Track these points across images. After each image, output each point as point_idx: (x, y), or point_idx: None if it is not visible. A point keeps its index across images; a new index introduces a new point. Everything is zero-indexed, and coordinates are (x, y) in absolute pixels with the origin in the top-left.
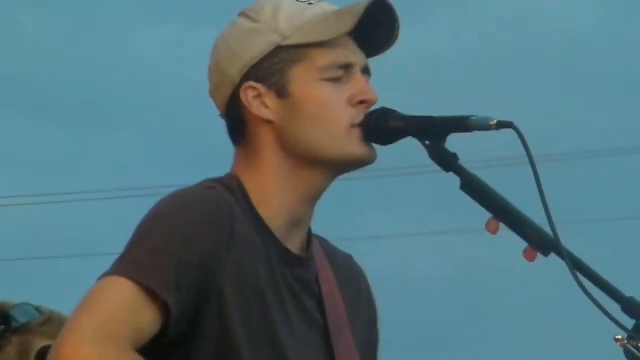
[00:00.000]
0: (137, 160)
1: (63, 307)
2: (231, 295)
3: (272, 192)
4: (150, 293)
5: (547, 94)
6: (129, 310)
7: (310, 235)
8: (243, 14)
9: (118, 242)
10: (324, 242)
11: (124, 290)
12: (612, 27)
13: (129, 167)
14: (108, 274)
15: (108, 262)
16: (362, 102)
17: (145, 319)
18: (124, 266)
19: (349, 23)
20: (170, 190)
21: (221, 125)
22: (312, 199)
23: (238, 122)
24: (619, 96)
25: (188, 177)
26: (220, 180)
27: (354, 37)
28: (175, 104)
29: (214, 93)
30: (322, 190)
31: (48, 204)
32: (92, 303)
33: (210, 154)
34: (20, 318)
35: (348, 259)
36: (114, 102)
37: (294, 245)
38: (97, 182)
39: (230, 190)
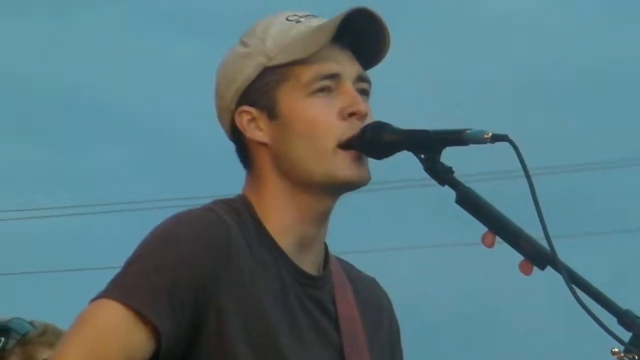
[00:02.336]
0: (120, 175)
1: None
2: (230, 315)
3: (275, 213)
4: (142, 316)
5: (541, 106)
6: (120, 334)
7: (327, 255)
8: (240, 39)
9: (95, 258)
10: (346, 264)
11: (115, 314)
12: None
13: (111, 182)
14: (100, 296)
15: (91, 277)
16: (352, 114)
17: (136, 342)
18: (115, 289)
19: (325, 36)
20: (147, 204)
21: (205, 141)
22: (316, 219)
23: (240, 146)
24: (614, 109)
25: (171, 192)
26: (227, 201)
27: (350, 48)
28: (158, 118)
29: (218, 119)
30: (325, 210)
31: (26, 219)
32: (82, 327)
33: (194, 168)
34: (19, 330)
35: (370, 281)
36: (93, 116)
37: (308, 264)
38: (76, 197)
39: (237, 211)
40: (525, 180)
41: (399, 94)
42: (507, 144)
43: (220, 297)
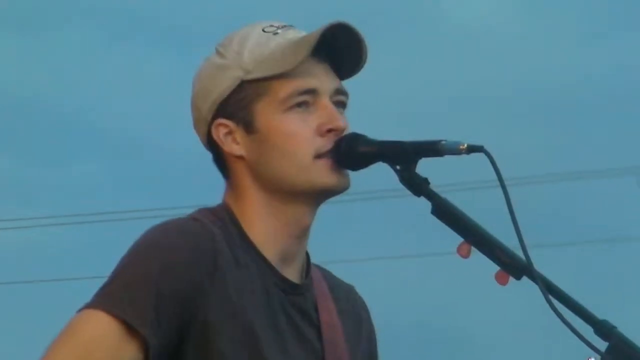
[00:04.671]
0: (95, 187)
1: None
2: (215, 326)
3: (258, 223)
4: (129, 327)
5: (517, 119)
6: (106, 345)
7: (309, 263)
8: (215, 49)
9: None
10: (326, 273)
11: (102, 325)
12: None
13: (86, 194)
14: (87, 306)
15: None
16: (330, 131)
17: (124, 353)
18: (102, 299)
19: (303, 52)
20: (125, 215)
21: (181, 152)
22: (297, 230)
23: (217, 157)
24: (585, 122)
25: (147, 203)
26: (212, 210)
27: (328, 60)
28: (129, 132)
29: (195, 128)
30: (305, 220)
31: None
32: (68, 338)
33: (170, 180)
34: None
35: (349, 290)
36: (65, 130)
37: (291, 273)
38: (52, 208)
39: (221, 219)
40: (500, 190)
41: (370, 107)
42: (482, 154)
43: (206, 309)
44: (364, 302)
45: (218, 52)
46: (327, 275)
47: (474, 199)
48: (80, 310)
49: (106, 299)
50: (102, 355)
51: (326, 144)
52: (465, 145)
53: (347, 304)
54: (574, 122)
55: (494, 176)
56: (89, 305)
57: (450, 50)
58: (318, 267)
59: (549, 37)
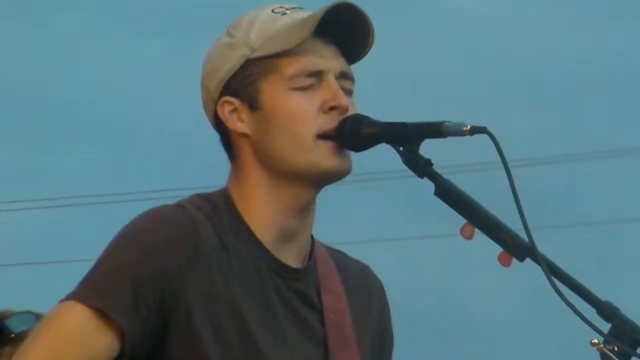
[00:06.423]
0: (95, 171)
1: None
2: (199, 311)
3: (257, 205)
4: (105, 317)
5: (512, 101)
6: (82, 336)
7: (313, 247)
8: (226, 29)
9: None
10: (337, 254)
11: (78, 316)
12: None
13: (86, 177)
14: (66, 298)
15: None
16: (333, 108)
17: (100, 343)
18: (81, 290)
19: (307, 29)
20: (124, 197)
21: (176, 137)
22: (298, 211)
23: (224, 137)
24: (590, 103)
25: (147, 185)
26: (205, 196)
27: (335, 42)
28: (129, 116)
29: (204, 109)
30: (307, 202)
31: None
32: (45, 331)
33: (167, 163)
34: (15, 328)
35: (362, 269)
36: (65, 115)
37: (289, 257)
38: (50, 190)
39: (214, 205)
40: (503, 172)
41: (370, 91)
42: (485, 136)
43: (188, 295)
44: (376, 280)
45: (228, 33)
46: (338, 257)
47: (476, 181)
48: (60, 301)
49: (84, 290)
50: (77, 346)
51: (329, 122)
52: (469, 126)
53: (357, 284)
54: (572, 104)
55: (497, 157)
56: (68, 297)
57: (449, 34)
58: (329, 248)
59: (549, 20)
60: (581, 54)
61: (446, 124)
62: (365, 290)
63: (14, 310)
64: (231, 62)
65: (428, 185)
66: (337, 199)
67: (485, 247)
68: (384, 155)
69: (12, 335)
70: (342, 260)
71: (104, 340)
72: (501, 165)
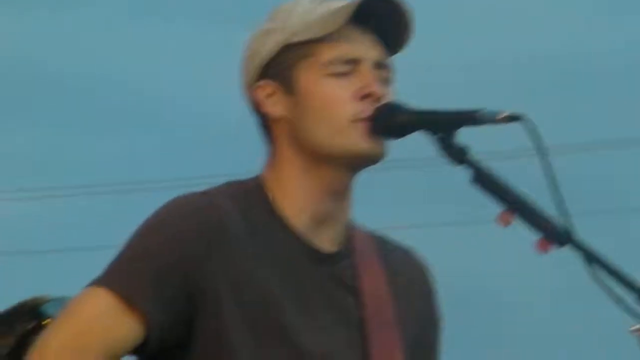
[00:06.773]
0: (124, 157)
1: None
2: (227, 299)
3: (292, 189)
4: (128, 303)
5: (531, 88)
6: (104, 322)
7: (350, 230)
8: (268, 16)
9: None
10: (379, 238)
11: (101, 302)
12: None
13: (116, 164)
14: (91, 283)
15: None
16: (366, 96)
17: (122, 329)
18: (105, 276)
19: (344, 16)
20: (158, 184)
21: (198, 121)
22: (334, 194)
23: (261, 122)
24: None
25: (180, 172)
26: (236, 183)
27: (374, 32)
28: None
29: (244, 93)
30: (342, 186)
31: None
32: (68, 316)
33: (199, 149)
34: (51, 313)
35: (405, 252)
36: (90, 103)
37: (324, 241)
38: (76, 178)
39: (245, 191)
40: (536, 159)
41: (408, 79)
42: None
43: (215, 282)
44: (420, 262)
45: (268, 19)
46: (380, 240)
47: (510, 168)
48: (86, 287)
49: (108, 276)
50: (101, 330)
51: (364, 109)
52: (505, 114)
53: (399, 267)
54: (598, 92)
55: (531, 144)
56: (93, 282)
57: (467, 19)
58: (371, 232)
59: (568, 5)
60: (618, 41)
61: (481, 111)
62: (407, 274)
63: (49, 296)
64: (269, 47)
65: (461, 172)
66: (371, 183)
67: (518, 234)
68: (417, 142)
69: (48, 321)
70: (383, 244)
71: (127, 326)
72: (533, 152)
